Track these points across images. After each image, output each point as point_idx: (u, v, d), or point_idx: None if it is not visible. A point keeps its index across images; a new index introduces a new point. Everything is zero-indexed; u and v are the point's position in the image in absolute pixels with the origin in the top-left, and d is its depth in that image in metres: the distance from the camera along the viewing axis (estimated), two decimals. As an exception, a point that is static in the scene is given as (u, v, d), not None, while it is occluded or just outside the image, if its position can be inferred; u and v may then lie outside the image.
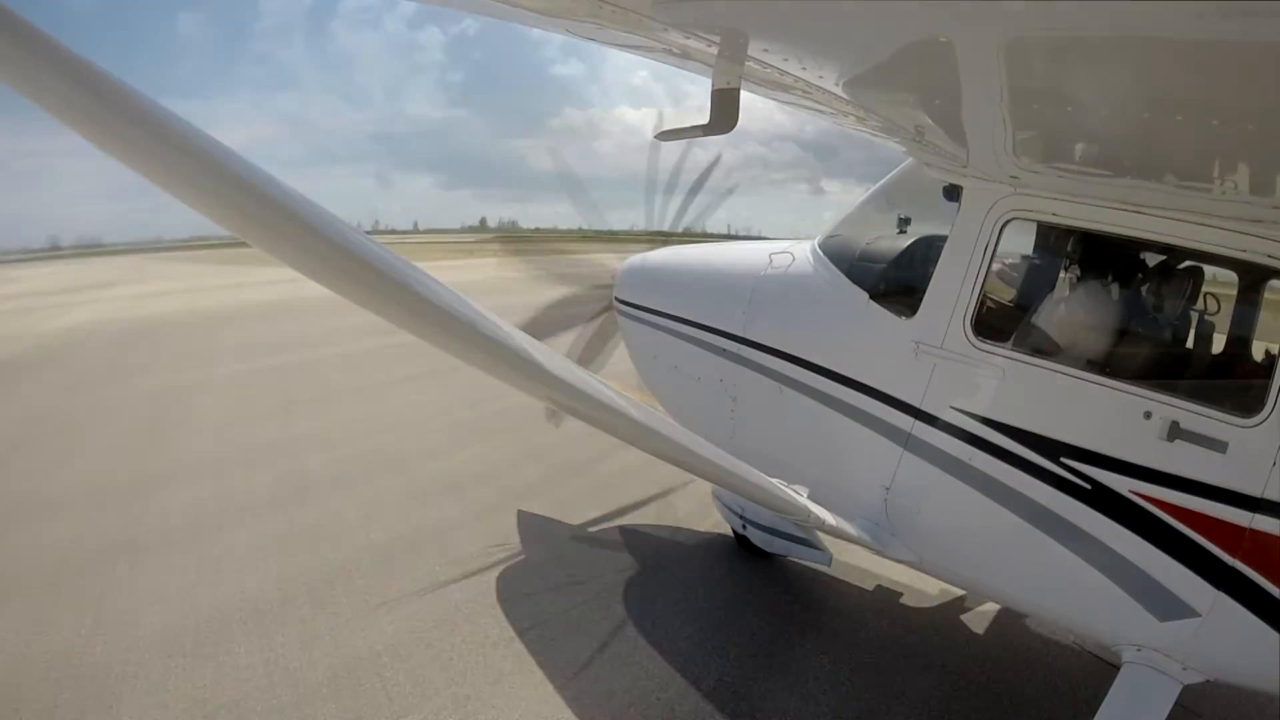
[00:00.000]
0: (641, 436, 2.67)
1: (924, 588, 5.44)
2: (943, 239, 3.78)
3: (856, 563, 5.59)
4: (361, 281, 1.77)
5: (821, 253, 4.55)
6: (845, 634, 4.90)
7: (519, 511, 6.96)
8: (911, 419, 3.78)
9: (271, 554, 6.17)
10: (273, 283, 26.54)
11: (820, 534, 4.69)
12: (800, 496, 3.79)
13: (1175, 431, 3.02)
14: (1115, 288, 3.88)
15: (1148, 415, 3.08)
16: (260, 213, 1.58)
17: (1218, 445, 2.96)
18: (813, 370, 4.32)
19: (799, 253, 4.72)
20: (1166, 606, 3.13)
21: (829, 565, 4.65)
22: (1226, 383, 3.56)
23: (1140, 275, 3.78)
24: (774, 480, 3.57)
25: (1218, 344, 3.93)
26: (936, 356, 3.66)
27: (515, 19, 2.60)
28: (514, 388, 2.38)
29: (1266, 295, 3.83)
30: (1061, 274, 4.15)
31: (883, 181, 4.81)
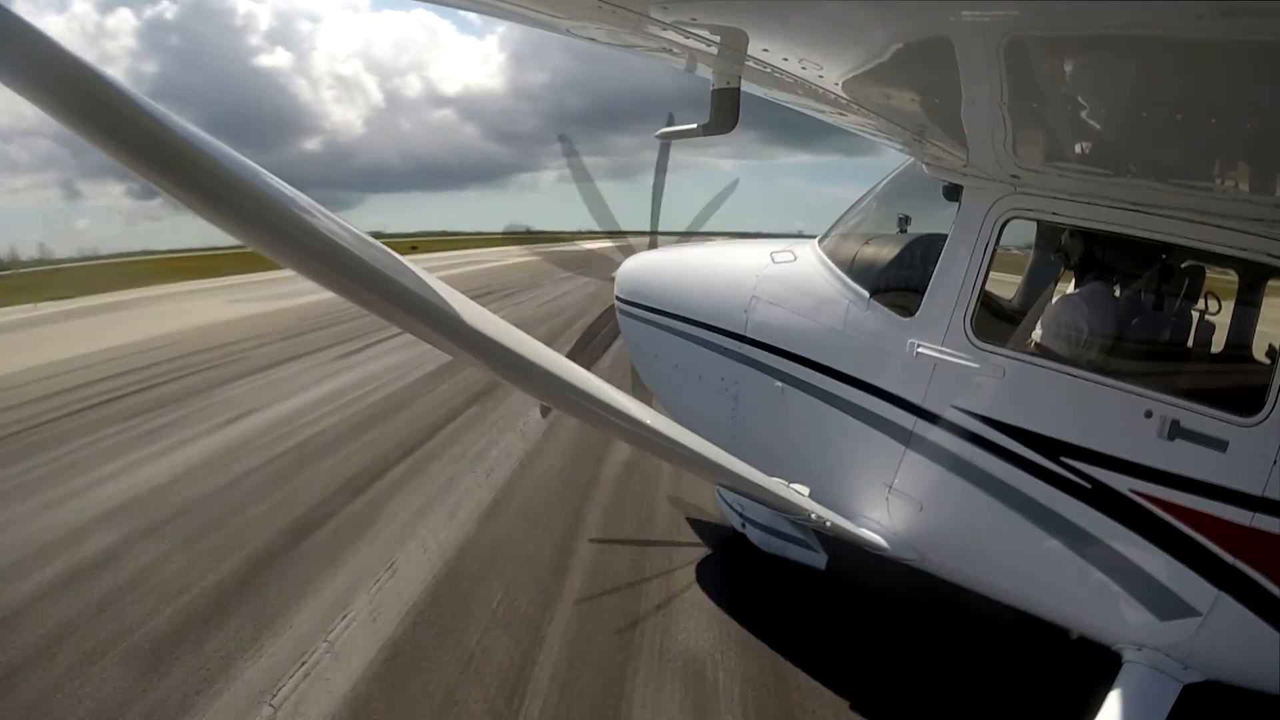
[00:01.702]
0: (643, 436, 2.68)
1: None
2: (943, 238, 3.78)
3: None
4: (361, 282, 1.77)
5: (822, 252, 4.56)
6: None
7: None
8: (913, 418, 3.78)
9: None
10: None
11: (818, 536, 4.69)
12: (801, 495, 3.80)
13: (1175, 430, 3.02)
14: (1115, 287, 3.88)
15: (1148, 414, 3.08)
16: (261, 214, 1.58)
17: (1218, 444, 2.96)
18: (814, 369, 4.32)
19: (800, 252, 4.73)
20: (1167, 606, 3.13)
21: (824, 567, 4.67)
22: (1227, 382, 3.57)
23: (1140, 274, 3.79)
24: (775, 479, 3.58)
25: (1218, 343, 3.93)
26: (937, 355, 3.66)
27: (514, 19, 2.60)
28: (515, 387, 2.38)
29: (1267, 294, 3.84)
30: (1062, 273, 4.16)
31: (883, 181, 4.82)
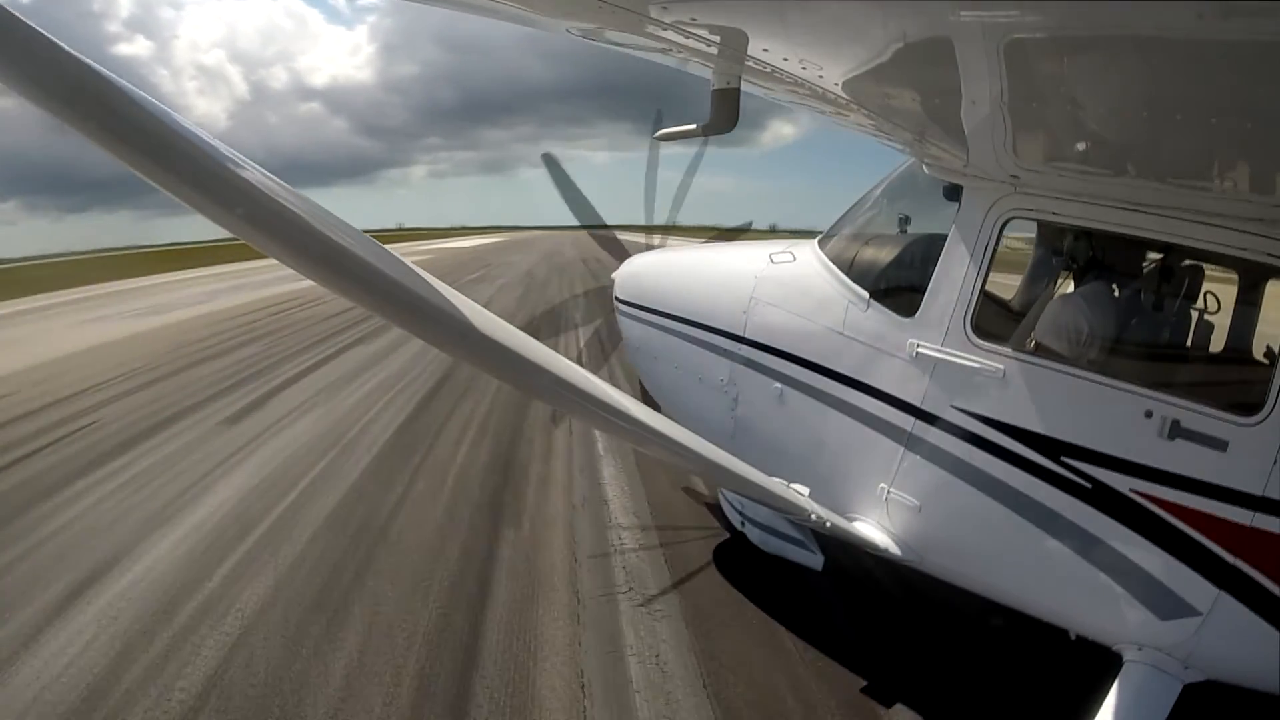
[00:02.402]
0: (643, 436, 2.69)
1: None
2: (943, 238, 3.78)
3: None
4: (362, 283, 1.77)
5: (822, 252, 4.56)
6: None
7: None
8: (912, 418, 3.78)
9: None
10: None
11: (816, 536, 4.69)
12: (801, 496, 3.80)
13: (1176, 430, 3.02)
14: (1115, 286, 3.88)
15: (1148, 414, 3.08)
16: (259, 213, 1.58)
17: (1218, 444, 2.96)
18: (813, 370, 4.32)
19: (799, 253, 4.73)
20: (1167, 606, 3.13)
21: (821, 568, 4.67)
22: (1227, 381, 3.57)
23: (1140, 274, 3.79)
24: (775, 480, 3.58)
25: (1218, 343, 3.93)
26: (937, 355, 3.66)
27: (514, 19, 2.60)
28: (514, 388, 2.39)
29: (1267, 294, 3.84)
30: (1062, 273, 4.16)
31: (883, 181, 4.81)
